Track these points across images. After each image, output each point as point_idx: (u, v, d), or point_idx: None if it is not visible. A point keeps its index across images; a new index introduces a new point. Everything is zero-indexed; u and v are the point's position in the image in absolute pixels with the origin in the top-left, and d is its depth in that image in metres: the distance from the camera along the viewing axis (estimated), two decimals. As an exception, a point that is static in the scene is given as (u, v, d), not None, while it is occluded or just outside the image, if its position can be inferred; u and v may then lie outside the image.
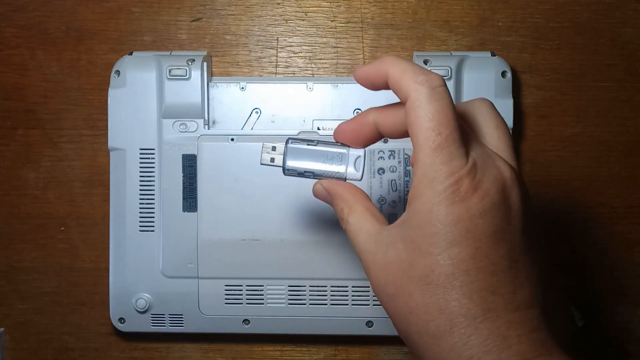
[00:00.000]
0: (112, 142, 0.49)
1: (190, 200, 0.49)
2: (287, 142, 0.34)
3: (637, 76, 0.51)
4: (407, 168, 0.48)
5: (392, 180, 0.48)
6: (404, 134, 0.30)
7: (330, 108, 0.50)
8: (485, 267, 0.26)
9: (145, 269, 0.49)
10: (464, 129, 0.29)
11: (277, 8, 0.52)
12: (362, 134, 0.33)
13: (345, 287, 0.49)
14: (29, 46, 0.52)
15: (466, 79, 0.48)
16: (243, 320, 0.50)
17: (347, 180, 0.34)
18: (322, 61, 0.52)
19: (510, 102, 0.48)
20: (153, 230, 0.49)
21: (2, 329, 0.53)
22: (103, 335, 0.53)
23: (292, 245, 0.48)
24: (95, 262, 0.53)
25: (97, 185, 0.52)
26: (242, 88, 0.50)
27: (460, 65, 0.48)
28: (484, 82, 0.48)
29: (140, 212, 0.49)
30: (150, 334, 0.51)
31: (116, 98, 0.49)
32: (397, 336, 0.30)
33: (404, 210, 0.29)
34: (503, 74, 0.48)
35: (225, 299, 0.49)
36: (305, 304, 0.49)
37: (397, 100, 0.30)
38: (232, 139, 0.48)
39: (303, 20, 0.52)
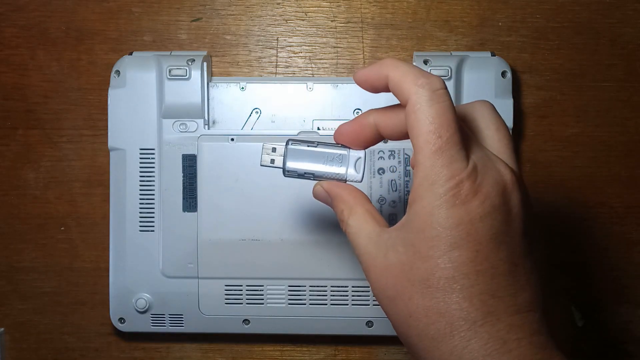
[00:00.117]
0: (112, 142, 0.49)
1: (190, 200, 0.49)
2: (287, 144, 0.34)
3: (637, 76, 0.51)
4: (407, 168, 0.48)
5: (392, 180, 0.48)
6: (404, 135, 0.30)
7: (330, 108, 0.50)
8: (485, 271, 0.26)
9: (145, 269, 0.49)
10: (464, 131, 0.29)
11: (277, 8, 0.52)
12: (363, 135, 0.33)
13: (345, 287, 0.49)
14: (29, 46, 0.52)
15: (466, 79, 0.48)
16: (243, 320, 0.50)
17: (347, 182, 0.34)
18: (322, 61, 0.52)
19: (510, 102, 0.48)
20: (153, 230, 0.49)
21: (2, 329, 0.53)
22: (103, 335, 0.53)
23: (292, 245, 0.48)
24: (95, 262, 0.53)
25: (97, 185, 0.52)
26: (242, 88, 0.50)
27: (460, 65, 0.48)
28: (484, 82, 0.48)
29: (140, 212, 0.49)
30: (150, 334, 0.51)
31: (116, 98, 0.49)
32: (397, 336, 0.30)
33: (404, 211, 0.29)
34: (503, 74, 0.48)
35: (225, 299, 0.49)
36: (305, 304, 0.49)
37: (398, 100, 0.30)
38: (232, 139, 0.48)
39: (303, 20, 0.52)
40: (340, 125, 0.33)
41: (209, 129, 0.49)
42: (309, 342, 0.53)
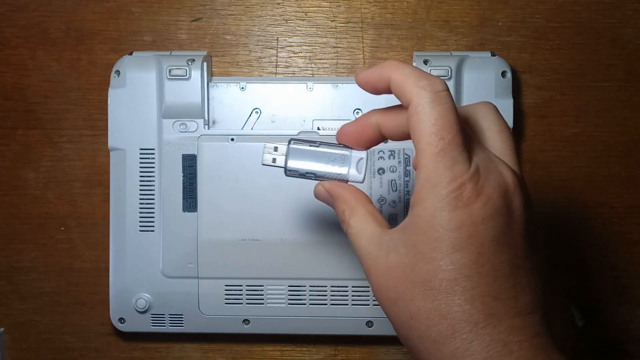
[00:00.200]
0: (112, 142, 0.49)
1: (190, 200, 0.49)
2: (289, 143, 0.34)
3: (637, 76, 0.51)
4: (407, 168, 0.48)
5: (392, 180, 0.48)
6: (406, 136, 0.30)
7: (330, 108, 0.50)
8: (487, 273, 0.26)
9: (145, 269, 0.49)
10: (466, 133, 0.29)
11: (277, 8, 0.52)
12: (365, 135, 0.33)
13: (345, 287, 0.49)
14: (29, 46, 0.52)
15: (466, 79, 0.48)
16: (243, 320, 0.50)
17: (349, 182, 0.34)
18: (322, 61, 0.52)
19: (510, 102, 0.48)
20: (153, 230, 0.49)
21: (2, 329, 0.53)
22: (103, 335, 0.53)
23: (292, 246, 0.48)
24: (95, 262, 0.52)
25: (97, 185, 0.52)
26: (242, 88, 0.50)
27: (460, 65, 0.48)
28: (484, 82, 0.48)
29: (140, 212, 0.49)
30: (150, 334, 0.51)
31: (116, 98, 0.49)
32: (397, 336, 0.30)
33: (404, 211, 0.29)
34: (503, 74, 0.48)
35: (225, 299, 0.49)
36: (305, 304, 0.49)
37: (399, 101, 0.30)
38: (232, 139, 0.48)
39: (303, 20, 0.51)
40: (342, 126, 0.33)
41: (209, 129, 0.49)
42: (309, 342, 0.53)
